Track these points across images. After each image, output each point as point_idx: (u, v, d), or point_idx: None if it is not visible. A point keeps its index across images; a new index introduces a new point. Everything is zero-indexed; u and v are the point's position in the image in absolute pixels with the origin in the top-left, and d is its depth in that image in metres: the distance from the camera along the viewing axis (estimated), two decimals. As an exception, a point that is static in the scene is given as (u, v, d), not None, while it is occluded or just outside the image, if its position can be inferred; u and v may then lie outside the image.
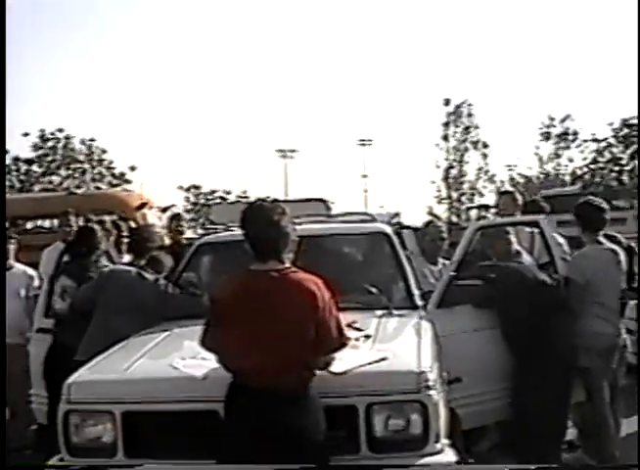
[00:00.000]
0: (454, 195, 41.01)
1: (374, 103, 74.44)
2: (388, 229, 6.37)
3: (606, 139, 31.19)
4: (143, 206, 13.28)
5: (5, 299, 6.97)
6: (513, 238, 6.48)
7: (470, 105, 40.08)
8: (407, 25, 68.07)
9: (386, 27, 69.33)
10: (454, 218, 37.75)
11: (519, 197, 7.71)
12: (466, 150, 40.42)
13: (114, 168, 36.69)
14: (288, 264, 3.84)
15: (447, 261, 6.55)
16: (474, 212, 31.98)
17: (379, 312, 5.25)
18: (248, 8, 72.50)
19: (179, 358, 4.27)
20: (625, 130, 29.74)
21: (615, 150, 31.03)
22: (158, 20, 70.22)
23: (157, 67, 69.93)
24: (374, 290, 5.49)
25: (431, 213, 39.56)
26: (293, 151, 52.23)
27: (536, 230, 6.45)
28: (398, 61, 71.48)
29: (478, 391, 5.60)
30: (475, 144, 40.34)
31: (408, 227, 7.91)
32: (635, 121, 29.26)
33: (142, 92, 69.81)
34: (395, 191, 60.03)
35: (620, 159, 30.73)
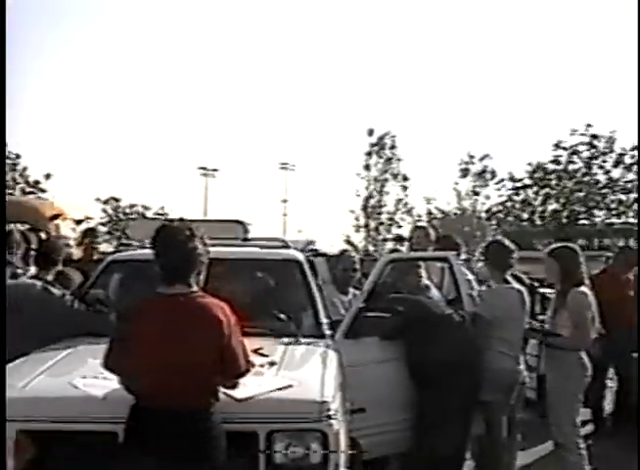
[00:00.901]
0: (372, 224, 41.34)
1: (298, 128, 74.69)
2: (301, 256, 6.39)
3: (521, 180, 32.02)
4: (57, 216, 12.97)
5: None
6: (423, 272, 6.61)
7: (393, 137, 40.54)
8: (337, 54, 68.69)
9: (314, 55, 69.82)
10: (371, 247, 38.04)
11: (432, 232, 7.87)
12: (386, 181, 40.79)
13: (27, 176, 35.91)
14: (195, 288, 3.82)
15: (358, 292, 6.62)
16: (390, 244, 32.38)
17: (286, 339, 5.26)
18: (173, 38, 72.07)
19: (80, 377, 4.18)
20: (539, 173, 30.60)
21: (529, 191, 31.88)
22: (83, 28, 69.21)
23: (78, 72, 68.85)
24: (283, 317, 5.51)
25: (348, 241, 39.73)
26: (214, 170, 52.09)
27: (446, 266, 6.58)
28: (325, 88, 72.06)
29: (381, 421, 5.66)
30: (395, 176, 40.77)
31: (322, 255, 7.96)
32: (550, 166, 30.19)
33: (61, 96, 68.63)
34: (315, 217, 60.36)
35: (534, 200, 31.58)
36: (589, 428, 7.78)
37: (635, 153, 28.91)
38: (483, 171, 38.08)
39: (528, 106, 56.25)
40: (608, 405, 8.45)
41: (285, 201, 53.82)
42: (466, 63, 64.49)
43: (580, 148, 29.62)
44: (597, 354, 6.32)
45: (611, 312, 6.83)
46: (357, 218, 40.99)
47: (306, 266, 6.24)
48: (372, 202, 40.68)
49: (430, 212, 39.57)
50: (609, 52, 60.35)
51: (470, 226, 36.88)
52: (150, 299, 3.82)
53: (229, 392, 3.90)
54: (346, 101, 68.30)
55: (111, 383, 3.93)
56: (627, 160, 29.08)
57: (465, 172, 38.54)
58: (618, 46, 59.11)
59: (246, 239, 7.07)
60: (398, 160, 40.71)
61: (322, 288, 6.38)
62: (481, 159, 38.05)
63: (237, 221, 7.35)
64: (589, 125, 28.85)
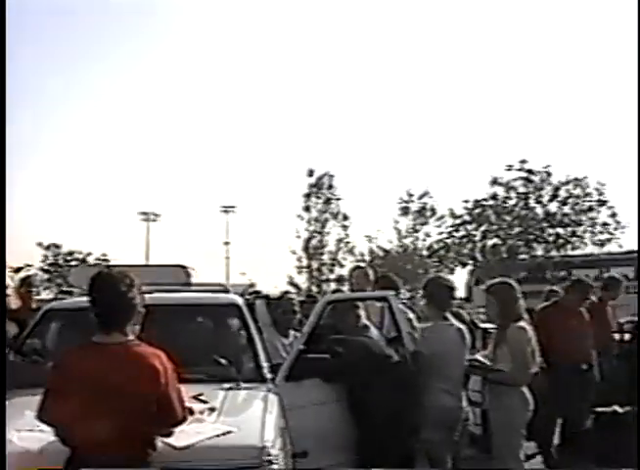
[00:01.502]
0: (314, 265, 41.40)
1: (239, 170, 74.74)
2: (240, 301, 6.39)
3: (461, 216, 32.42)
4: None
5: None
6: (362, 312, 6.64)
7: (331, 176, 40.92)
8: (274, 94, 69.09)
9: (251, 94, 70.12)
10: (314, 288, 38.06)
11: (371, 272, 7.92)
12: (326, 221, 41.06)
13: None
14: (131, 337, 3.80)
15: (298, 334, 6.63)
16: (332, 284, 32.42)
17: (226, 385, 5.22)
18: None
19: (15, 430, 4.11)
20: (478, 210, 31.02)
21: (468, 227, 32.27)
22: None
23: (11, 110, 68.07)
24: (223, 361, 5.48)
25: (291, 283, 39.74)
26: (156, 215, 51.78)
27: (386, 305, 6.62)
28: (264, 130, 72.26)
29: (323, 464, 5.63)
30: (335, 215, 41.08)
31: (264, 297, 7.96)
32: (486, 202, 30.65)
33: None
34: (258, 258, 60.14)
35: (474, 235, 31.96)
36: (535, 461, 7.83)
37: (570, 187, 29.51)
38: (423, 209, 38.64)
39: (465, 143, 57.15)
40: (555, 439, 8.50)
41: (227, 243, 53.71)
42: (401, 100, 65.44)
43: (516, 183, 30.13)
44: (541, 388, 6.33)
45: (556, 346, 6.89)
46: (300, 259, 41.06)
47: (245, 310, 6.23)
48: (313, 242, 40.83)
49: (372, 251, 39.84)
50: (540, 85, 61.81)
51: (412, 264, 37.26)
52: (83, 347, 3.80)
53: (168, 440, 3.87)
54: (286, 142, 68.52)
55: (46, 435, 3.86)
56: (562, 193, 29.67)
57: (405, 210, 39.02)
58: (550, 77, 60.57)
59: (188, 283, 7.04)
60: (338, 199, 41.07)
61: (262, 331, 6.38)
62: (421, 196, 38.62)
63: (179, 266, 7.33)
64: (524, 161, 29.42)
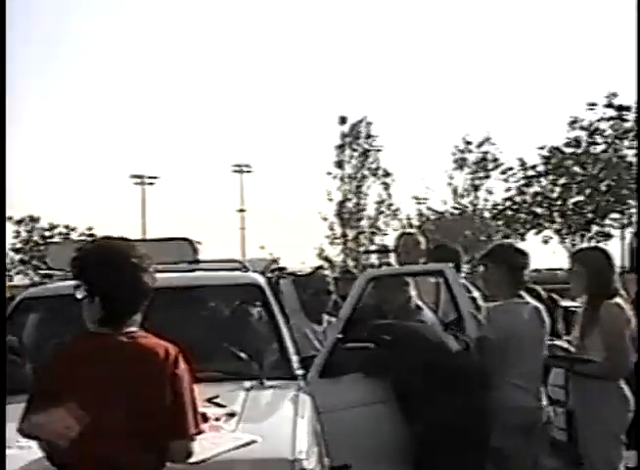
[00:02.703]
0: (350, 234, 41.41)
1: (254, 121, 74.83)
2: (261, 280, 6.47)
3: (534, 167, 32.10)
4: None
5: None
6: (412, 291, 6.66)
7: (369, 124, 40.78)
8: (300, 32, 68.86)
9: (265, 27, 69.90)
10: (350, 262, 38.14)
11: (422, 239, 7.90)
12: (364, 178, 40.98)
13: None
14: (135, 327, 3.82)
15: (334, 319, 6.69)
16: (373, 257, 32.40)
17: (247, 384, 5.29)
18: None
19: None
20: (555, 159, 30.67)
21: (543, 181, 31.98)
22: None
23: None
24: (242, 355, 5.57)
25: (322, 257, 39.87)
26: (152, 178, 51.99)
27: (442, 281, 6.63)
28: (284, 70, 72.20)
29: (370, 479, 5.70)
30: (374, 171, 40.98)
31: (290, 275, 8.00)
32: (566, 149, 30.32)
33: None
34: (279, 228, 60.26)
35: (551, 191, 31.67)
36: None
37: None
38: (483, 159, 38.34)
39: (535, 76, 56.70)
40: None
41: (242, 210, 53.77)
42: (456, 31, 64.86)
43: (603, 125, 29.64)
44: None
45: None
46: (332, 227, 40.99)
47: (269, 292, 6.31)
48: (349, 205, 40.77)
49: (421, 215, 39.72)
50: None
51: (472, 228, 37.07)
52: (78, 340, 3.82)
53: (180, 454, 3.89)
54: (312, 85, 68.45)
55: (29, 453, 3.91)
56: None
57: (461, 163, 38.80)
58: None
59: (195, 261, 7.09)
60: (377, 150, 40.97)
61: (289, 317, 6.45)
62: (480, 144, 38.33)
63: (183, 240, 7.37)
64: (613, 95, 28.90)
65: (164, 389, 3.69)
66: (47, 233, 48.31)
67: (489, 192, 37.76)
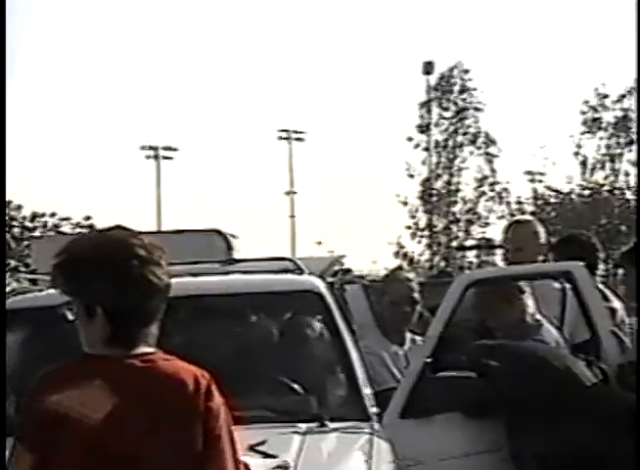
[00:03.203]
0: (440, 222, 41.22)
1: (301, 73, 74.94)
2: (322, 286, 6.46)
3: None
4: None
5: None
6: (529, 300, 6.63)
7: (465, 71, 40.54)
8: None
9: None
10: (441, 262, 38.08)
11: (541, 230, 7.85)
12: (459, 148, 40.75)
13: None
14: (151, 348, 3.84)
15: (420, 339, 6.75)
16: (471, 254, 32.16)
17: (303, 426, 5.32)
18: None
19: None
20: None
21: None
22: None
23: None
24: (296, 388, 5.61)
25: (402, 254, 39.80)
26: (170, 149, 52.12)
27: (569, 287, 6.62)
28: (344, 10, 72.24)
29: None
30: (473, 138, 40.72)
31: (358, 279, 8.01)
32: None
33: None
34: (342, 216, 60.22)
35: None
36: None
37: None
38: (624, 118, 37.92)
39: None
40: None
41: (291, 193, 53.79)
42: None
43: None
44: None
45: None
46: (414, 215, 40.61)
47: (331, 301, 6.31)
48: (438, 184, 40.46)
49: (537, 197, 39.25)
50: None
51: (608, 216, 36.75)
52: (75, 365, 3.85)
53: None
54: (386, 21, 68.18)
55: None
56: None
57: (593, 125, 38.41)
58: None
59: (230, 260, 7.13)
60: (476, 109, 40.59)
61: (360, 335, 6.48)
62: (620, 99, 37.90)
63: (214, 232, 7.41)
64: None
65: (195, 430, 3.72)
66: (30, 224, 48.61)
67: (633, 164, 37.33)
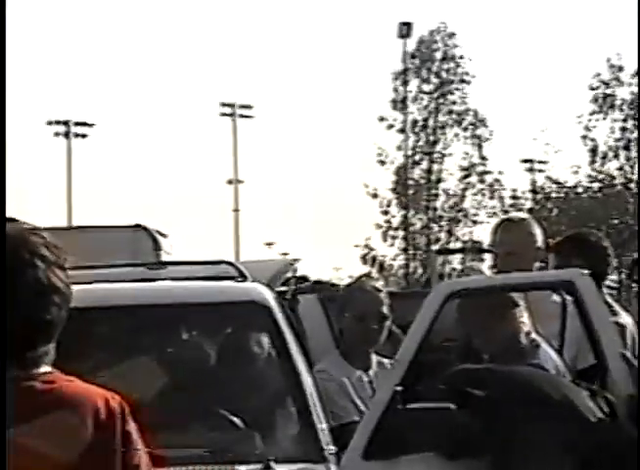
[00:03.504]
0: (416, 221, 41.38)
1: (252, 36, 75.40)
2: (269, 296, 6.43)
3: None
4: None
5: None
6: (524, 316, 6.62)
7: (449, 36, 40.69)
8: None
9: None
10: (418, 268, 38.31)
11: (537, 230, 7.85)
12: (441, 129, 40.90)
13: None
14: (48, 367, 3.82)
15: (388, 362, 6.73)
16: (456, 259, 32.32)
17: (243, 469, 5.31)
18: None
19: None
20: None
21: None
22: None
23: None
24: (236, 421, 5.57)
25: (369, 259, 39.95)
26: (84, 124, 52.14)
27: (570, 299, 6.61)
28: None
29: None
30: (459, 118, 40.90)
31: (315, 288, 7.99)
32: None
33: None
34: (297, 212, 60.26)
35: None
36: None
37: None
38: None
39: None
40: None
41: (235, 182, 53.93)
42: None
43: None
44: None
45: None
46: (386, 211, 40.65)
47: (281, 315, 6.27)
48: (415, 173, 40.57)
49: (535, 190, 39.47)
50: None
51: (622, 213, 36.98)
52: None
53: None
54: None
55: None
56: None
57: (604, 103, 38.61)
58: None
59: (157, 263, 7.12)
60: (463, 82, 40.69)
61: (315, 357, 6.49)
62: (636, 73, 38.17)
63: (138, 228, 7.40)
64: None
65: (112, 460, 3.70)
66: None
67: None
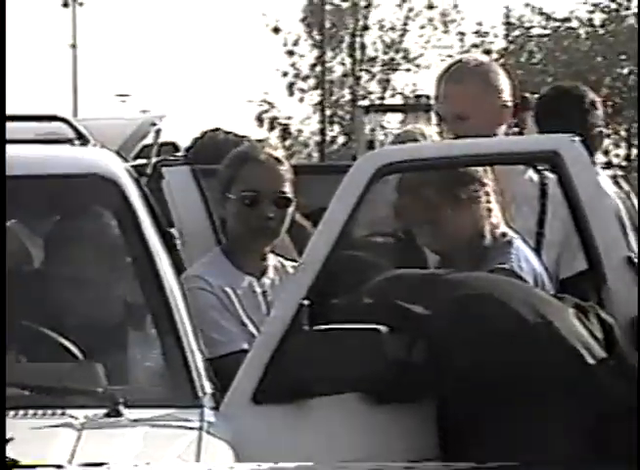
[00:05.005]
0: (335, 65, 41.50)
1: None
2: (119, 167, 6.45)
3: None
4: None
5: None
6: (490, 199, 6.66)
7: None
8: None
9: None
10: (339, 138, 38.60)
11: (502, 80, 7.83)
12: None
13: None
14: None
15: (291, 265, 6.91)
16: (391, 121, 32.45)
17: (80, 415, 5.35)
18: None
19: None
20: None
21: None
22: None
23: None
24: (69, 347, 5.60)
25: (267, 120, 40.18)
26: None
27: (552, 177, 6.67)
28: None
29: None
30: None
31: (185, 157, 8.04)
32: None
33: None
34: (165, 52, 60.32)
35: None
36: None
37: None
38: None
39: None
40: None
41: (74, 3, 53.91)
42: None
43: None
44: None
45: None
46: (291, 51, 40.68)
47: (136, 193, 6.28)
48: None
49: (510, 24, 39.82)
50: None
51: (632, 57, 37.37)
52: None
53: None
54: None
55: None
56: None
57: None
58: None
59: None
60: None
61: (186, 257, 6.55)
62: None
63: None
64: None
65: None
66: None
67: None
